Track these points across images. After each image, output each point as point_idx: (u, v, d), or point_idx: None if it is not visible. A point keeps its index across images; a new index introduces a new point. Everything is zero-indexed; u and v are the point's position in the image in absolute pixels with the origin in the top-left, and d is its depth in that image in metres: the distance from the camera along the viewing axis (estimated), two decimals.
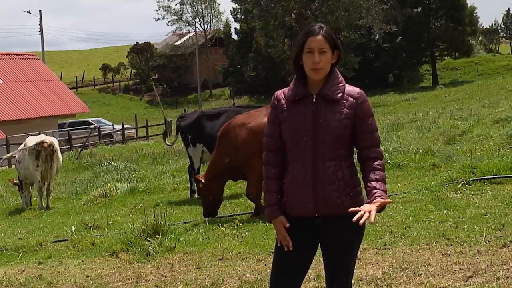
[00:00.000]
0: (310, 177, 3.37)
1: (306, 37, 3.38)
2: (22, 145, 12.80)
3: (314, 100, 3.40)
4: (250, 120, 8.68)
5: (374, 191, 3.32)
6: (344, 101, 3.39)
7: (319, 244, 3.52)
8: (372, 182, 3.36)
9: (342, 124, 3.36)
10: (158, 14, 65.33)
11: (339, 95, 3.39)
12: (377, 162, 3.41)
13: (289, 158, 3.47)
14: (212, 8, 64.15)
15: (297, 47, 3.41)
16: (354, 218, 3.21)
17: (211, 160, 8.92)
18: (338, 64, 3.50)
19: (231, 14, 61.77)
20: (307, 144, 3.37)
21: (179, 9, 63.83)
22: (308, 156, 3.37)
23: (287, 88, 3.51)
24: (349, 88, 3.45)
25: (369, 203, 3.29)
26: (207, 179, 8.68)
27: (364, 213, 3.21)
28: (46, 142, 12.13)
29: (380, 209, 3.30)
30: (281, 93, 3.53)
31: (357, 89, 3.45)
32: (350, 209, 3.26)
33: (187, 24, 64.60)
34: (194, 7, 63.78)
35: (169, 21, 64.37)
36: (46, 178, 12.34)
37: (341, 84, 3.42)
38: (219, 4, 70.42)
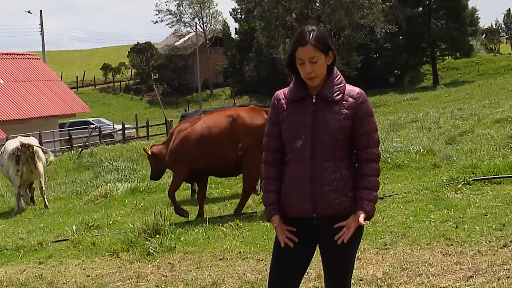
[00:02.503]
0: (308, 177, 3.37)
1: (295, 47, 3.34)
2: (3, 148, 12.80)
3: (313, 101, 3.39)
4: (187, 127, 9.05)
5: (360, 201, 3.36)
6: (344, 102, 3.37)
7: (318, 244, 3.52)
8: (360, 191, 3.38)
9: (341, 125, 3.35)
10: (158, 16, 65.65)
11: (339, 96, 3.37)
12: (371, 166, 3.40)
13: (288, 158, 3.47)
14: (209, 9, 64.30)
15: (288, 56, 3.39)
16: (335, 237, 3.34)
17: (163, 147, 9.56)
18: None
19: (230, 15, 61.92)
20: (306, 144, 3.36)
21: (177, 11, 64.00)
22: (307, 157, 3.36)
23: (287, 88, 3.50)
24: (349, 88, 3.43)
25: (354, 212, 3.36)
26: (154, 152, 9.67)
27: (347, 234, 3.33)
28: (24, 145, 12.11)
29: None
30: (281, 93, 3.52)
31: (357, 89, 3.43)
32: (336, 225, 3.35)
33: (187, 25, 64.75)
34: (192, 8, 63.87)
35: (167, 23, 64.63)
36: (32, 178, 12.37)
37: (341, 85, 3.40)
38: (216, 4, 70.73)
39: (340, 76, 3.44)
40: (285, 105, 3.45)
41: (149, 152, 9.72)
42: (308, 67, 3.31)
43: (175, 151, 9.02)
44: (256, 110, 8.78)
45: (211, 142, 8.66)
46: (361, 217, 3.33)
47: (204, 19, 64.45)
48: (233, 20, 62.31)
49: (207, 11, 64.34)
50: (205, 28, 64.56)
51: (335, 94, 3.37)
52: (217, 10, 65.49)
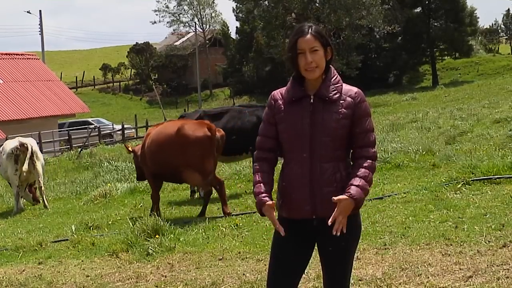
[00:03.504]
0: (307, 178, 3.35)
1: (296, 38, 3.36)
2: (1, 148, 12.80)
3: (311, 101, 3.38)
4: (150, 131, 9.65)
5: (348, 187, 3.30)
6: (341, 101, 3.37)
7: (316, 245, 3.52)
8: (352, 179, 3.33)
9: (340, 124, 3.34)
10: (156, 14, 65.78)
11: (337, 95, 3.37)
12: (366, 161, 3.37)
13: (286, 159, 3.46)
14: (210, 9, 64.29)
15: (291, 51, 3.38)
16: (332, 232, 3.27)
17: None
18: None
19: (233, 12, 61.89)
20: (305, 145, 3.35)
21: (177, 11, 63.99)
22: (306, 158, 3.35)
23: (284, 88, 3.49)
24: (346, 87, 3.43)
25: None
26: (134, 151, 9.99)
27: (339, 224, 3.27)
28: (24, 145, 12.11)
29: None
30: (278, 93, 3.51)
31: (354, 89, 3.43)
32: (329, 221, 3.27)
33: (187, 25, 64.73)
34: (192, 9, 63.84)
35: (167, 22, 64.65)
36: (31, 178, 12.35)
37: (338, 84, 3.41)
38: (216, 4, 70.82)
39: (337, 76, 3.44)
40: (282, 106, 3.43)
41: (130, 149, 10.19)
42: (309, 56, 3.32)
43: (140, 154, 9.66)
44: (201, 123, 9.26)
45: (157, 148, 9.20)
46: (339, 197, 3.26)
47: (203, 19, 64.44)
48: (235, 18, 62.35)
49: (207, 11, 64.35)
50: (204, 28, 64.55)
51: (332, 94, 3.37)
52: (216, 11, 65.50)
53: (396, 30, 45.84)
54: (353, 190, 3.29)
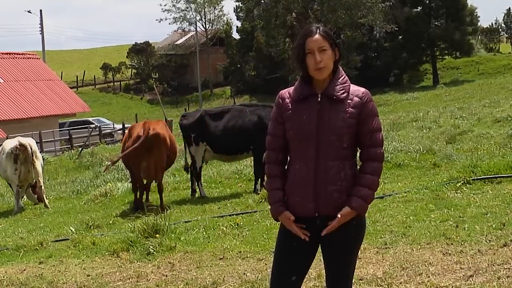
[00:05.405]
0: (312, 176, 3.37)
1: (304, 39, 3.38)
2: (0, 148, 12.81)
3: (319, 99, 3.40)
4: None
5: (350, 197, 3.38)
6: (349, 101, 3.39)
7: (320, 244, 3.52)
8: (354, 187, 3.40)
9: (347, 123, 3.36)
10: (164, 7, 65.71)
11: (344, 94, 3.39)
12: (372, 165, 3.41)
13: (291, 157, 3.47)
14: (219, 10, 64.20)
15: (300, 50, 3.39)
16: (323, 232, 3.40)
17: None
18: (340, 63, 3.50)
19: (234, 12, 61.82)
20: (311, 143, 3.37)
21: (184, 8, 63.88)
22: (311, 155, 3.37)
23: (292, 87, 3.51)
24: (354, 87, 3.45)
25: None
26: None
27: (331, 227, 3.38)
28: (23, 145, 12.13)
29: (361, 211, 3.42)
30: (286, 92, 3.53)
31: (362, 89, 3.46)
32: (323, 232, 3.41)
33: (189, 23, 64.62)
34: (199, 8, 63.66)
35: (173, 18, 64.49)
36: (30, 178, 12.35)
37: (346, 84, 3.43)
38: (223, 6, 70.77)
39: (345, 76, 3.47)
40: (290, 104, 3.46)
41: None
42: (318, 56, 3.34)
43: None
44: (145, 124, 10.26)
45: (123, 144, 10.94)
46: (342, 211, 3.35)
47: (208, 17, 64.28)
48: (236, 17, 62.28)
49: (214, 11, 64.19)
50: (207, 28, 64.43)
51: (340, 93, 3.39)
52: (223, 10, 65.40)
53: (393, 29, 45.81)
54: (354, 201, 3.37)
